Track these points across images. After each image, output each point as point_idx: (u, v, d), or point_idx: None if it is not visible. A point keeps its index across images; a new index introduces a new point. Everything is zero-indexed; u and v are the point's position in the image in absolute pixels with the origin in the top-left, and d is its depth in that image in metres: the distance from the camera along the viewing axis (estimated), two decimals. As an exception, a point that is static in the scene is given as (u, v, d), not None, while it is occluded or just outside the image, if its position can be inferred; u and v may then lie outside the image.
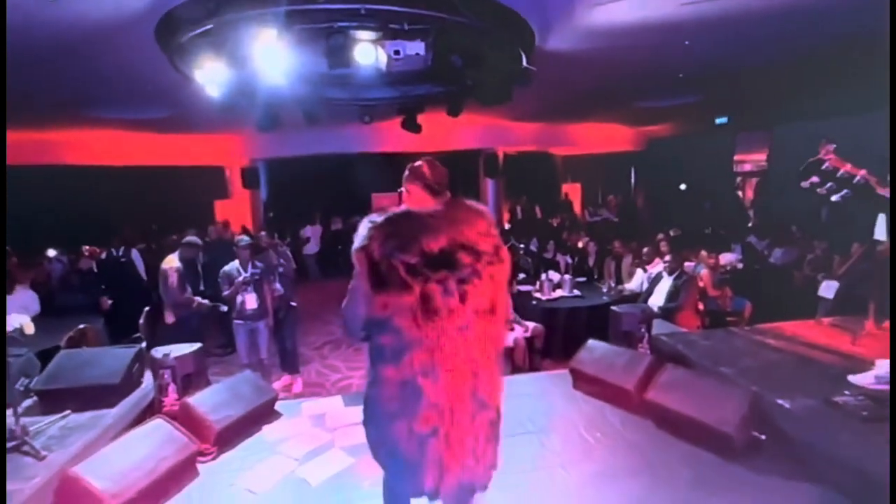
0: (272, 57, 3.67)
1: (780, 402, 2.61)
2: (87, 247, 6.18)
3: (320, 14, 3.57)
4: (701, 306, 5.12)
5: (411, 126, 6.28)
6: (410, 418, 1.50)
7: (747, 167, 12.30)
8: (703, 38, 5.05)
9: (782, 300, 5.10)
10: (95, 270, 5.49)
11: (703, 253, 5.57)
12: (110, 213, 7.86)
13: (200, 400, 2.85)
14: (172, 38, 3.94)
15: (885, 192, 2.63)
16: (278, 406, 3.27)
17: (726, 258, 6.21)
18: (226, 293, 4.35)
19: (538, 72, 5.12)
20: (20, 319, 4.23)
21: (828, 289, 4.34)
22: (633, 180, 13.67)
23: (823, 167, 2.77)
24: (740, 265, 6.25)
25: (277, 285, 4.62)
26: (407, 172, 1.71)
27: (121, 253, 5.72)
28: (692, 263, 5.70)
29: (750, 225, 9.52)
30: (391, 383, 1.52)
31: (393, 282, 1.44)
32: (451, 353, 1.50)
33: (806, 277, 5.55)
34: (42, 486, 2.20)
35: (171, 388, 2.92)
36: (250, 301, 4.33)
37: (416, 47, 3.70)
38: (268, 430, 2.98)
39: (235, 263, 4.38)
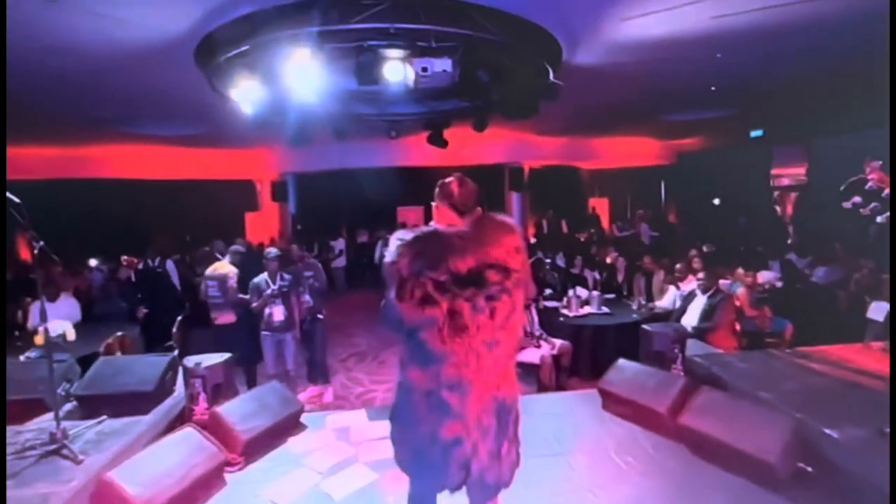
0: (304, 75, 3.79)
1: (826, 431, 2.45)
2: (126, 257, 6.45)
3: (351, 33, 3.67)
4: (738, 327, 4.90)
5: (437, 141, 6.35)
6: (435, 426, 1.54)
7: (785, 181, 11.86)
8: (734, 50, 4.96)
9: (826, 322, 4.84)
10: (133, 280, 5.72)
11: (740, 271, 5.35)
12: (147, 225, 8.21)
13: (229, 410, 2.89)
14: (211, 59, 4.13)
15: None
16: (304, 418, 3.29)
17: (764, 276, 5.95)
18: (254, 305, 4.41)
19: (565, 86, 5.12)
20: (63, 326, 4.46)
21: (878, 310, 4.09)
22: (663, 195, 13.38)
23: (867, 186, 2.64)
24: (779, 283, 5.97)
25: (307, 297, 4.66)
26: (437, 189, 1.72)
27: (156, 263, 5.94)
28: (727, 281, 5.49)
29: (789, 242, 9.13)
30: (417, 390, 1.56)
31: (421, 297, 1.47)
32: (477, 369, 1.53)
33: (852, 298, 5.25)
34: (79, 489, 2.26)
35: (202, 396, 2.98)
36: (278, 313, 4.38)
37: (444, 64, 3.75)
38: (293, 442, 3.00)
39: (264, 275, 4.43)
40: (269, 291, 4.35)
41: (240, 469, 2.71)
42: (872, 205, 2.66)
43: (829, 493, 2.31)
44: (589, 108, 7.72)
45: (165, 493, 2.28)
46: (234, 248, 5.12)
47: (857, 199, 2.69)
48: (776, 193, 11.21)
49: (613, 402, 3.31)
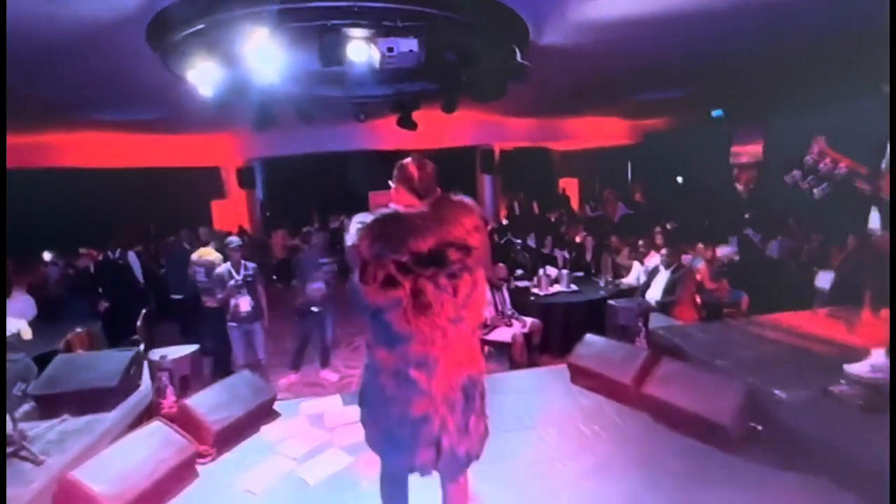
0: (265, 56, 3.65)
1: (776, 392, 2.62)
2: (84, 249, 6.17)
3: (313, 12, 3.55)
4: (698, 299, 5.13)
5: (407, 123, 6.27)
6: (404, 405, 1.58)
7: (743, 159, 12.31)
8: (694, 30, 5.05)
9: (779, 292, 5.11)
10: (92, 273, 5.47)
11: (700, 246, 5.56)
12: (107, 216, 7.83)
13: (198, 401, 2.85)
14: (164, 38, 3.92)
15: (865, 186, 2.64)
16: (277, 406, 3.27)
17: (723, 251, 6.21)
18: (219, 296, 4.31)
19: (534, 66, 5.12)
20: (17, 324, 4.22)
21: (824, 279, 4.35)
22: (629, 174, 13.67)
23: (804, 160, 2.79)
24: (737, 258, 6.25)
25: (319, 284, 4.59)
26: (395, 171, 1.72)
27: (117, 255, 5.70)
28: (689, 256, 5.71)
29: (747, 217, 9.54)
30: (385, 370, 1.59)
31: (384, 279, 1.49)
32: (443, 346, 1.57)
33: (803, 269, 5.56)
34: (41, 490, 2.20)
35: (170, 390, 2.93)
36: (244, 304, 4.31)
37: (410, 44, 3.68)
38: (266, 431, 2.99)
39: (227, 266, 4.34)
40: (232, 283, 4.28)
41: (212, 460, 2.68)
42: (809, 178, 2.81)
43: (776, 449, 2.48)
44: (557, 89, 7.75)
45: (134, 488, 2.24)
46: (231, 239, 4.82)
47: (797, 172, 2.83)
48: (735, 171, 11.64)
49: (582, 376, 3.43)
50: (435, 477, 1.74)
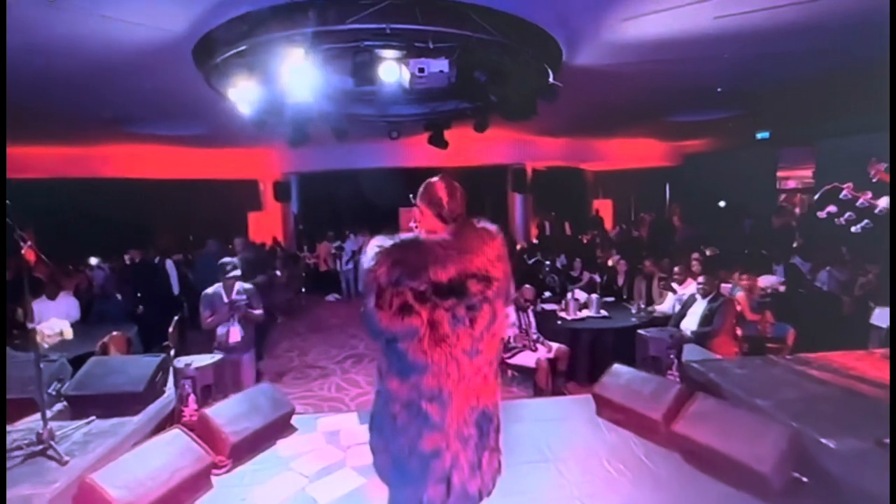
0: (301, 76, 3.79)
1: (824, 441, 2.39)
2: (131, 251, 6.43)
3: (347, 34, 3.66)
4: (739, 332, 4.84)
5: (438, 142, 6.33)
6: (414, 437, 1.51)
7: (791, 184, 11.72)
8: (738, 51, 4.89)
9: (829, 328, 4.76)
10: (129, 275, 5.73)
11: (737, 274, 5.27)
12: (150, 224, 8.27)
13: (218, 412, 2.87)
14: (209, 58, 4.13)
15: None
16: (294, 420, 3.27)
17: (766, 280, 5.86)
18: (209, 320, 3.72)
19: (567, 87, 5.08)
20: (60, 325, 4.48)
21: (880, 317, 4.00)
22: (667, 197, 13.27)
23: (841, 196, 2.58)
24: (782, 288, 5.88)
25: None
26: (422, 190, 1.64)
27: (156, 261, 5.96)
28: (729, 285, 5.41)
29: (795, 245, 9.01)
30: (397, 400, 1.53)
31: (400, 307, 1.43)
32: (458, 379, 1.50)
33: (856, 303, 5.15)
34: (62, 491, 2.25)
35: (192, 398, 2.97)
36: (234, 333, 3.76)
37: (440, 65, 3.73)
38: (282, 445, 2.98)
39: (219, 287, 3.78)
40: (226, 302, 3.72)
41: (227, 471, 2.69)
42: (847, 214, 2.60)
43: (824, 505, 2.25)
44: (592, 109, 7.67)
45: (148, 495, 2.25)
46: (229, 262, 4.02)
47: (833, 208, 2.63)
48: (782, 196, 11.09)
49: (608, 408, 3.25)
50: None
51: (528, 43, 4.20)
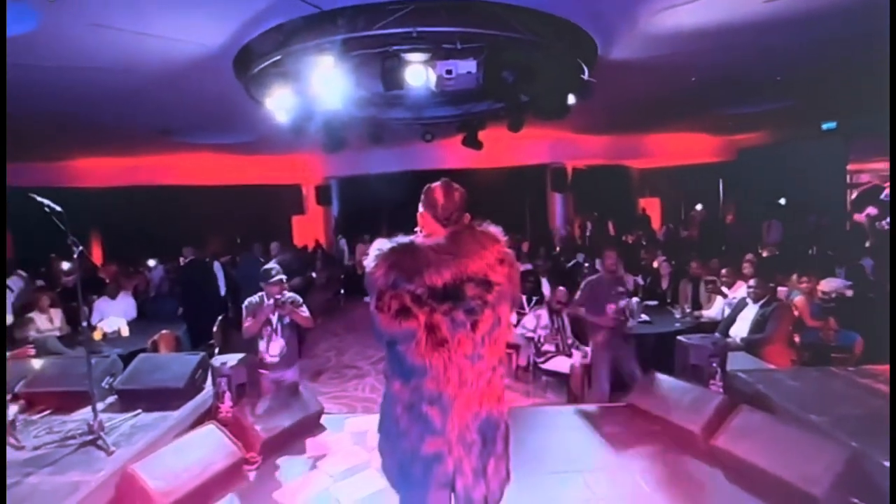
0: (333, 82, 3.88)
1: (885, 463, 2.14)
2: (186, 250, 6.84)
3: (375, 39, 3.71)
4: (797, 339, 4.45)
5: (472, 143, 6.29)
6: (416, 441, 1.51)
7: (865, 178, 10.70)
8: (792, 36, 4.52)
9: (903, 336, 4.27)
10: (183, 280, 6.09)
11: (795, 277, 4.85)
12: (200, 228, 8.78)
13: (250, 409, 2.99)
14: (247, 69, 4.32)
15: None
16: (324, 419, 3.34)
17: (831, 284, 5.36)
18: (247, 324, 3.34)
19: (604, 82, 4.89)
20: (118, 323, 4.83)
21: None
22: (721, 194, 12.49)
23: (882, 196, 2.28)
24: (849, 293, 5.36)
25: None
26: (423, 195, 1.65)
27: (205, 262, 6.28)
28: (785, 289, 5.00)
29: (867, 245, 8.21)
30: (400, 402, 1.54)
31: (398, 310, 1.44)
32: (458, 384, 1.48)
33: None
34: (107, 479, 2.41)
35: (227, 395, 3.10)
36: (274, 347, 3.39)
37: (468, 66, 3.70)
38: (310, 444, 3.05)
39: (262, 294, 3.40)
40: (268, 308, 3.34)
41: (257, 467, 2.78)
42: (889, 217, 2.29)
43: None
44: (634, 104, 7.36)
45: (183, 487, 2.37)
46: (273, 268, 3.58)
47: (872, 210, 2.33)
48: (853, 192, 10.13)
49: (643, 419, 3.10)
50: None
51: (560, 39, 4.08)
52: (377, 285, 1.45)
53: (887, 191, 2.35)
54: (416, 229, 1.65)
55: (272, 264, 3.52)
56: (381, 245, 1.49)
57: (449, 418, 1.47)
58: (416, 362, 1.45)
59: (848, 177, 10.56)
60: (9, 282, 5.63)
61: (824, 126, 9.62)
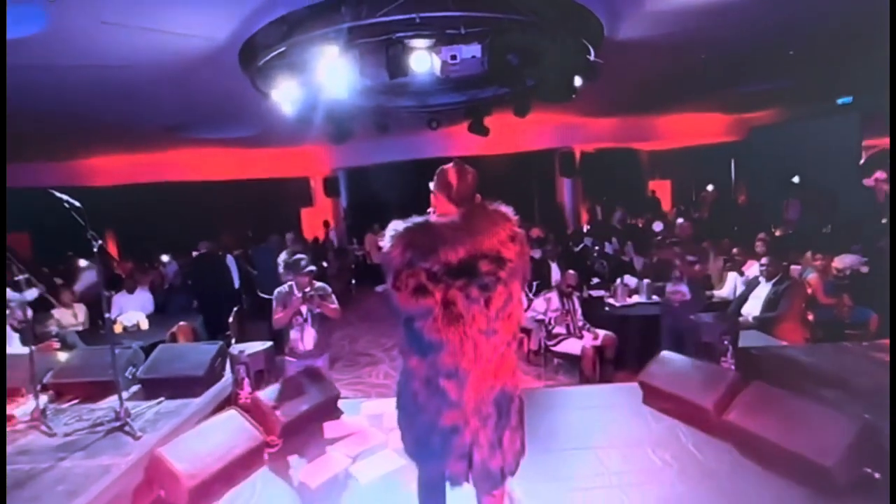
0: (338, 72, 3.89)
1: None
2: (202, 244, 6.95)
3: (379, 27, 3.70)
4: (810, 317, 4.43)
5: (478, 129, 6.26)
6: (434, 414, 1.58)
7: (881, 154, 10.45)
8: (806, 10, 4.41)
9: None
10: (197, 273, 6.20)
11: (809, 255, 4.81)
12: (212, 223, 8.92)
13: (269, 394, 3.07)
14: (252, 62, 4.34)
15: None
16: (341, 403, 3.41)
17: (845, 261, 5.30)
18: (278, 316, 3.33)
19: (611, 63, 4.83)
20: (137, 317, 4.95)
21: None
22: (733, 174, 12.29)
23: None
24: (864, 269, 5.30)
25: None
26: (435, 177, 1.70)
27: (220, 254, 6.39)
28: (799, 267, 4.96)
29: (884, 221, 8.05)
30: (417, 377, 1.60)
31: (415, 287, 1.49)
32: (474, 358, 1.54)
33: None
34: (136, 462, 2.51)
35: (246, 382, 3.19)
36: (308, 338, 3.42)
37: (473, 50, 3.68)
38: (328, 427, 3.13)
39: (292, 284, 3.39)
40: (298, 298, 3.32)
41: (278, 450, 2.87)
42: None
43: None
44: (642, 86, 7.24)
45: (207, 469, 2.46)
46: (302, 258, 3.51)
47: (881, 174, 2.29)
48: (869, 168, 9.90)
49: (655, 397, 3.12)
50: (472, 487, 1.69)
51: (564, 20, 4.04)
52: (394, 264, 1.50)
53: None
54: (428, 210, 1.69)
55: (301, 255, 3.48)
56: (396, 226, 1.55)
57: (465, 391, 1.53)
58: (433, 337, 1.50)
59: (863, 153, 10.34)
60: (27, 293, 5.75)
61: (840, 101, 9.40)
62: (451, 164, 1.69)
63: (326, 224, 10.77)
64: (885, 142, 10.14)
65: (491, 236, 1.51)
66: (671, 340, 3.83)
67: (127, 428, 2.74)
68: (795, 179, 10.80)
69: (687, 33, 4.84)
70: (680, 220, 4.42)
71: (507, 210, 1.60)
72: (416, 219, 1.57)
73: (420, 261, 1.48)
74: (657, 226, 6.61)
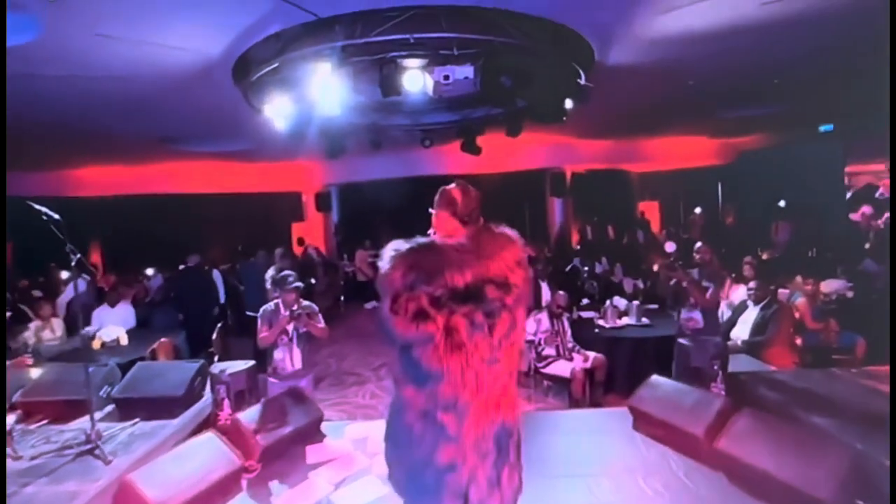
0: (331, 89, 3.89)
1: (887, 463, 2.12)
2: (191, 257, 6.82)
3: (373, 46, 3.73)
4: (798, 341, 4.44)
5: (470, 148, 6.30)
6: (430, 449, 1.46)
7: (863, 180, 10.72)
8: (791, 38, 4.54)
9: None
10: (182, 288, 6.08)
11: (799, 279, 4.85)
12: (200, 237, 8.79)
13: (249, 416, 2.96)
14: (245, 77, 4.33)
15: None
16: (324, 426, 3.31)
17: (832, 285, 5.36)
18: (263, 335, 3.26)
19: (602, 86, 4.91)
20: (117, 332, 4.81)
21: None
22: (720, 197, 12.50)
23: (877, 195, 2.28)
24: (850, 294, 5.35)
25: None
26: (437, 196, 1.65)
27: (204, 270, 6.28)
28: (787, 291, 4.99)
29: (867, 247, 8.21)
30: (412, 409, 1.49)
31: (415, 312, 1.40)
32: (475, 389, 1.45)
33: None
34: (105, 488, 2.39)
35: (226, 402, 3.08)
36: (293, 359, 3.34)
37: (465, 71, 3.72)
38: (310, 451, 3.02)
39: (278, 302, 3.36)
40: (286, 317, 3.27)
41: (257, 475, 2.75)
42: (886, 216, 2.29)
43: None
44: (632, 109, 7.38)
45: (180, 496, 2.35)
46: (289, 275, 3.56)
47: (867, 209, 2.33)
48: (851, 193, 10.14)
49: (645, 422, 3.07)
50: None
51: (556, 44, 4.11)
52: (393, 287, 1.41)
53: (881, 189, 2.34)
54: (429, 231, 1.63)
55: (289, 271, 3.46)
56: (398, 245, 1.46)
57: (464, 425, 1.44)
58: (433, 367, 1.41)
59: (846, 179, 10.60)
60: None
61: (821, 128, 9.65)
62: (453, 184, 1.65)
63: (301, 241, 10.53)
64: (868, 168, 10.43)
65: (498, 260, 1.45)
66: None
67: (97, 451, 2.62)
68: (782, 203, 11.03)
69: (675, 60, 4.96)
70: (698, 244, 4.40)
71: (513, 233, 1.54)
72: (421, 239, 1.48)
73: (423, 284, 1.39)
74: (669, 246, 6.57)
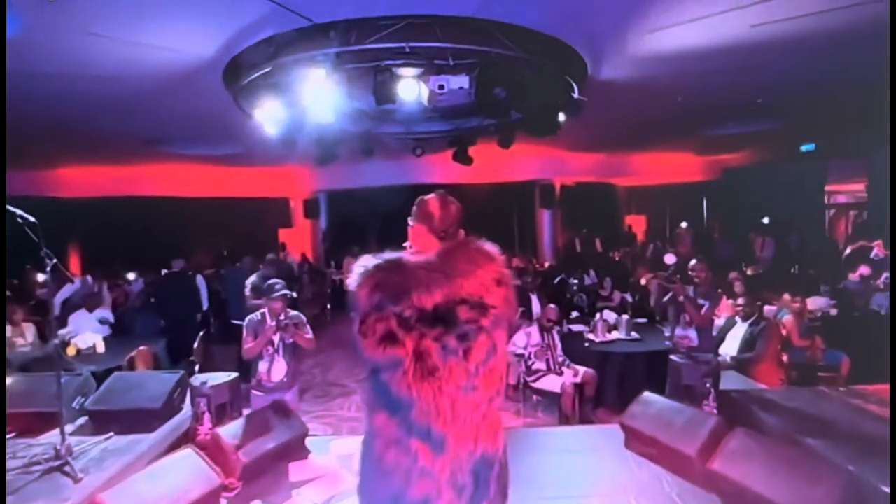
0: (324, 95, 3.84)
1: (884, 488, 2.11)
2: (175, 261, 6.61)
3: (368, 53, 3.70)
4: (785, 358, 4.48)
5: (462, 158, 6.29)
6: (402, 483, 1.34)
7: (842, 199, 11.01)
8: (778, 60, 4.64)
9: (890, 357, 4.32)
10: (163, 293, 5.90)
11: (787, 296, 4.90)
12: (185, 241, 8.58)
13: (231, 431, 2.84)
14: (237, 80, 4.26)
15: None
16: (308, 441, 3.20)
17: (816, 303, 5.44)
18: (248, 345, 3.19)
19: (594, 101, 4.95)
20: (94, 339, 4.63)
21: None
22: (705, 212, 12.72)
23: (872, 255, 2.32)
24: (833, 311, 5.44)
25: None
26: (415, 207, 1.55)
27: (187, 275, 6.10)
28: (774, 308, 5.04)
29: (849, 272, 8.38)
30: (383, 438, 1.37)
31: (382, 334, 1.29)
32: (451, 418, 1.33)
33: (920, 329, 4.68)
34: (73, 509, 2.25)
35: (206, 416, 2.96)
36: (278, 370, 3.26)
37: (461, 81, 3.71)
38: (294, 468, 2.91)
39: (264, 311, 3.27)
40: (272, 328, 3.18)
41: (236, 495, 2.63)
42: (884, 276, 2.33)
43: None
44: (622, 123, 7.48)
45: (156, 518, 2.23)
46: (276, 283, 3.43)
47: (865, 270, 2.36)
48: (831, 212, 10.40)
49: (637, 440, 3.02)
50: None
51: (551, 57, 4.13)
52: (361, 306, 1.32)
53: (876, 250, 2.40)
54: (405, 245, 1.55)
55: (276, 280, 3.37)
56: (366, 262, 1.36)
57: (440, 457, 1.32)
58: (403, 393, 1.30)
59: (826, 197, 10.88)
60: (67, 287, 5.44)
61: (803, 148, 9.91)
62: (433, 195, 1.54)
63: (283, 246, 10.29)
64: (845, 187, 10.69)
65: (473, 279, 1.33)
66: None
67: (67, 468, 2.47)
68: (765, 220, 11.26)
69: (665, 77, 5.03)
70: (693, 262, 4.39)
71: (493, 249, 1.42)
72: (388, 255, 1.38)
73: (390, 304, 1.29)
74: (669, 258, 6.58)
